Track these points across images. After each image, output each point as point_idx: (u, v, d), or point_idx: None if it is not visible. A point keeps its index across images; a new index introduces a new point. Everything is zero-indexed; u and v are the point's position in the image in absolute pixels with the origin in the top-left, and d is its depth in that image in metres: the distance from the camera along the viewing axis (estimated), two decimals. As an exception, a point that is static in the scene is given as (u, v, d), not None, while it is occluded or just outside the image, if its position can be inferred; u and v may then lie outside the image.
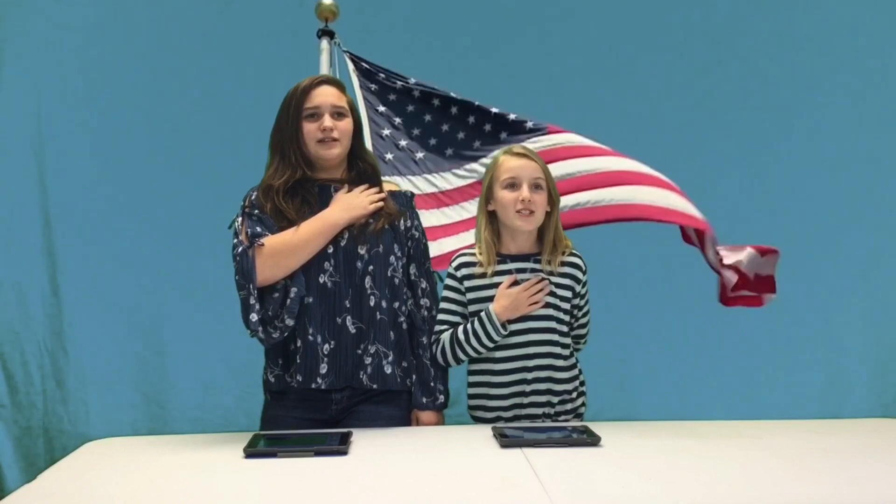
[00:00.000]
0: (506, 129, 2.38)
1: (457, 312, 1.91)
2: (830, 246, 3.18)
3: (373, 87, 2.46)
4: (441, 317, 1.90)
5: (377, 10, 3.09)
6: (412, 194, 1.97)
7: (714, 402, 2.96)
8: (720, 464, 1.40)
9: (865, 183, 3.22)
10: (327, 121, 1.79)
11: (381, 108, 2.44)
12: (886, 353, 3.19)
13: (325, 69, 2.40)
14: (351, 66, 2.45)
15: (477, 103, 2.40)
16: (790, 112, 3.26)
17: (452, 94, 2.42)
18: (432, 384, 1.84)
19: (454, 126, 2.42)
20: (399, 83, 2.45)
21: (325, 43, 2.43)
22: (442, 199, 2.38)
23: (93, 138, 3.08)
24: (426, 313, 1.88)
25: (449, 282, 1.92)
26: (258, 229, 1.74)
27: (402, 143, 2.42)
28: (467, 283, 1.90)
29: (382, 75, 2.45)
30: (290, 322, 1.71)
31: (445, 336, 1.88)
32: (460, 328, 1.87)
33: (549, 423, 1.84)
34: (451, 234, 2.32)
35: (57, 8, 3.09)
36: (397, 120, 2.44)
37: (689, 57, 3.28)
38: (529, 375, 1.86)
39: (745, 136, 3.27)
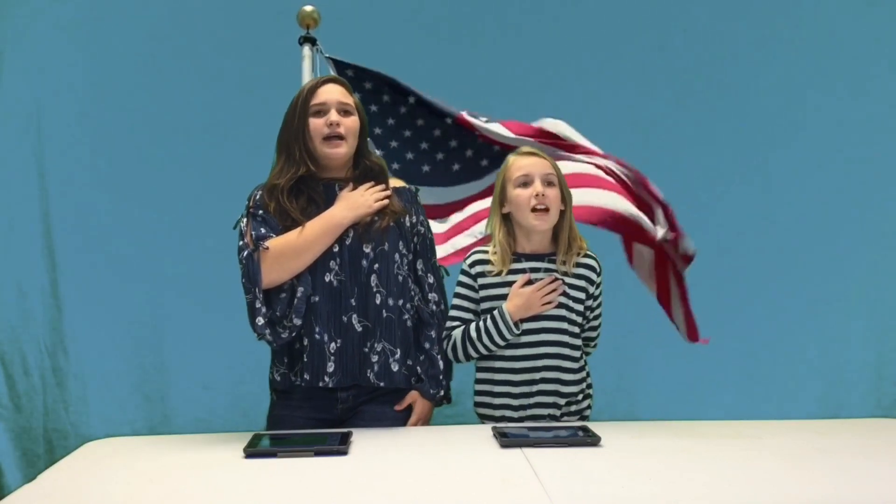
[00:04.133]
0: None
1: (469, 309, 1.91)
2: (830, 246, 3.17)
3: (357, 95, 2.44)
4: (453, 313, 1.91)
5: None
6: (416, 189, 1.97)
7: (714, 402, 2.96)
8: (720, 464, 1.40)
9: (865, 184, 3.22)
10: (333, 115, 1.79)
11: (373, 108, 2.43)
12: (886, 353, 3.19)
13: (307, 76, 2.39)
14: (332, 73, 2.43)
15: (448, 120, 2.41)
16: (789, 114, 3.26)
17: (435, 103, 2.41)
18: (441, 378, 1.86)
19: (441, 138, 2.43)
20: (385, 97, 2.42)
21: (306, 50, 2.41)
22: (439, 210, 2.39)
23: (92, 138, 3.08)
24: (434, 308, 1.89)
25: (462, 279, 1.92)
26: (262, 231, 1.74)
27: (391, 144, 2.41)
28: (481, 281, 1.90)
29: (369, 84, 2.43)
30: (297, 322, 1.71)
31: (457, 332, 1.89)
32: (472, 325, 1.87)
33: (549, 423, 1.84)
34: (461, 231, 2.31)
35: (57, 8, 3.09)
36: (377, 131, 2.43)
37: (690, 58, 3.28)
38: (538, 375, 1.86)
39: (745, 138, 3.27)
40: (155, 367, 3.04)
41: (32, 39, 3.06)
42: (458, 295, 1.92)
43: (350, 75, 2.41)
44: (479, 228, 2.24)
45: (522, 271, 1.88)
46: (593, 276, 1.92)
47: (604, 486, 1.27)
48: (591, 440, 1.52)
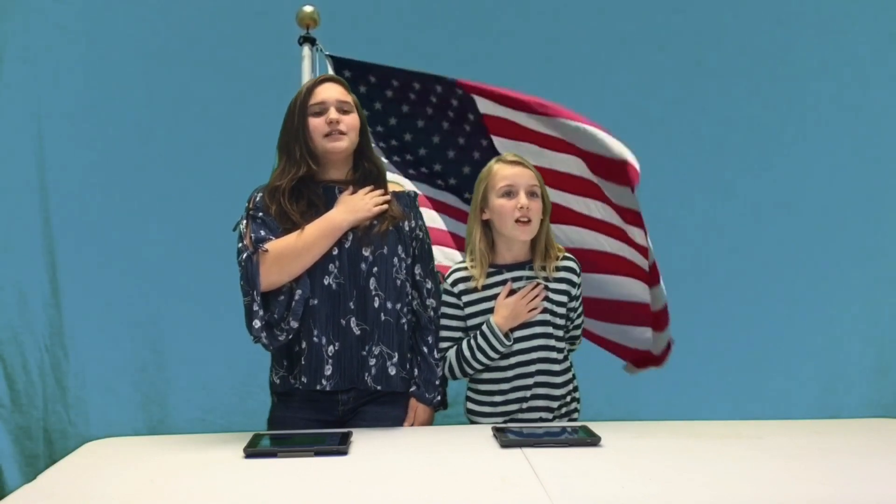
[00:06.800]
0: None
1: (459, 328, 1.92)
2: (830, 246, 3.17)
3: (362, 89, 2.41)
4: (444, 333, 1.91)
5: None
6: (416, 194, 1.97)
7: (714, 402, 2.96)
8: (720, 464, 1.40)
9: (865, 185, 3.22)
10: (333, 113, 1.79)
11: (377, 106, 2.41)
12: (886, 353, 3.19)
13: (307, 76, 2.38)
14: (331, 72, 2.42)
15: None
16: (789, 115, 3.26)
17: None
18: (437, 383, 1.85)
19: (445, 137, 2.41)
20: (389, 91, 2.40)
21: (306, 50, 2.41)
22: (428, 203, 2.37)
23: (93, 139, 3.07)
24: (432, 313, 1.89)
25: (447, 298, 1.92)
26: (262, 233, 1.73)
27: (394, 142, 2.40)
28: (465, 298, 1.90)
29: (373, 78, 2.41)
30: (294, 324, 1.71)
31: (451, 353, 1.89)
32: (464, 343, 1.88)
33: (548, 423, 1.84)
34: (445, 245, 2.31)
35: (57, 8, 3.08)
36: (383, 127, 2.42)
37: (692, 54, 3.27)
38: (530, 381, 1.87)
39: (745, 136, 3.27)
40: (155, 367, 3.04)
41: (32, 39, 3.06)
42: (444, 315, 1.91)
43: (348, 75, 2.40)
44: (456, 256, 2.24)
45: (504, 282, 1.89)
46: (574, 277, 1.93)
47: (604, 486, 1.27)
48: (591, 440, 1.52)
